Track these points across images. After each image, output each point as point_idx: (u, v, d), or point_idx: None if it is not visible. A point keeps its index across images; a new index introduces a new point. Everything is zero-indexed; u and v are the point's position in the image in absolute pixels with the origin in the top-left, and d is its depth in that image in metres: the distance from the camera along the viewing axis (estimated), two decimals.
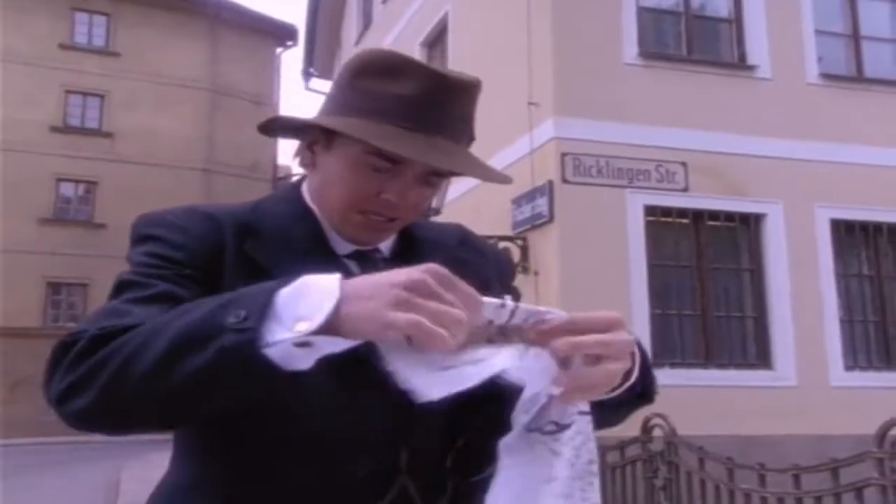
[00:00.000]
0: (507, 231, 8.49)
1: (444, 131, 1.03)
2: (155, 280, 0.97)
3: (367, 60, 1.07)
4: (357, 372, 0.90)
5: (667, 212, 8.19)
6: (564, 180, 7.96)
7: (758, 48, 8.84)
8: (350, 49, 15.95)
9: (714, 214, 8.33)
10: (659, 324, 7.94)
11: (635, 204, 8.08)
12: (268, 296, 0.81)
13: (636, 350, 0.93)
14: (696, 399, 7.71)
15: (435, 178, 1.08)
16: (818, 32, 9.09)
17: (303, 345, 0.78)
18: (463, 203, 9.32)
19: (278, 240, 1.07)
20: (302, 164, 1.13)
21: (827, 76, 9.01)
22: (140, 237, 1.05)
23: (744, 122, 8.44)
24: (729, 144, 8.32)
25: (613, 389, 0.90)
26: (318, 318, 0.78)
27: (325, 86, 19.29)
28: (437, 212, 8.08)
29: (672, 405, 7.35)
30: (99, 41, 24.79)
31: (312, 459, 0.99)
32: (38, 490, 10.55)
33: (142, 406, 0.84)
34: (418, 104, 1.02)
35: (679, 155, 8.20)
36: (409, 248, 1.15)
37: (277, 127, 1.13)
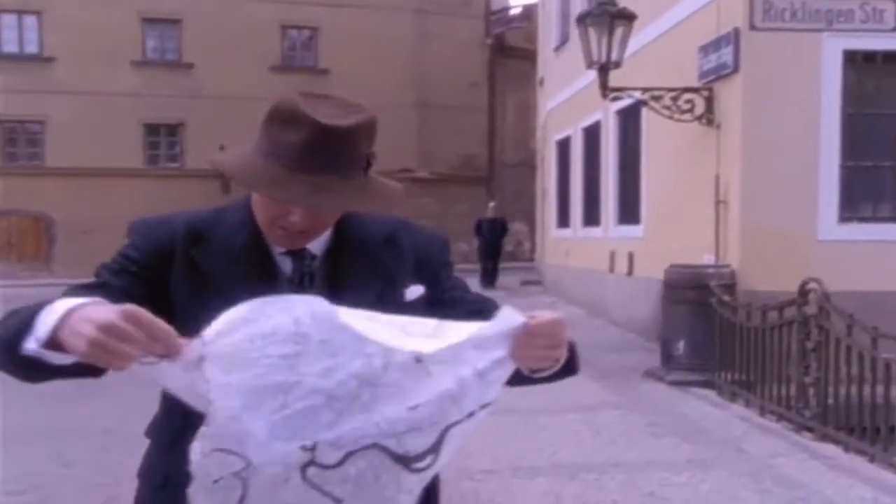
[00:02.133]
0: (693, 82, 8.28)
1: (329, 171, 1.25)
2: (106, 273, 1.33)
3: (275, 109, 1.28)
4: None
5: (870, 56, 7.59)
6: (752, 27, 7.57)
7: None
8: None
9: None
10: (849, 176, 7.59)
11: (833, 49, 7.55)
12: (32, 317, 1.10)
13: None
14: (887, 255, 7.45)
15: None
16: None
17: (50, 349, 1.07)
18: (646, 54, 9.12)
19: (223, 245, 1.36)
20: None
21: None
22: (127, 235, 1.42)
23: None
24: None
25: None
26: (42, 336, 1.07)
27: None
28: (618, 65, 8.03)
29: (861, 261, 7.24)
30: None
31: None
32: None
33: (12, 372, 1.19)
34: (304, 150, 1.24)
35: None
36: (341, 246, 1.41)
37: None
